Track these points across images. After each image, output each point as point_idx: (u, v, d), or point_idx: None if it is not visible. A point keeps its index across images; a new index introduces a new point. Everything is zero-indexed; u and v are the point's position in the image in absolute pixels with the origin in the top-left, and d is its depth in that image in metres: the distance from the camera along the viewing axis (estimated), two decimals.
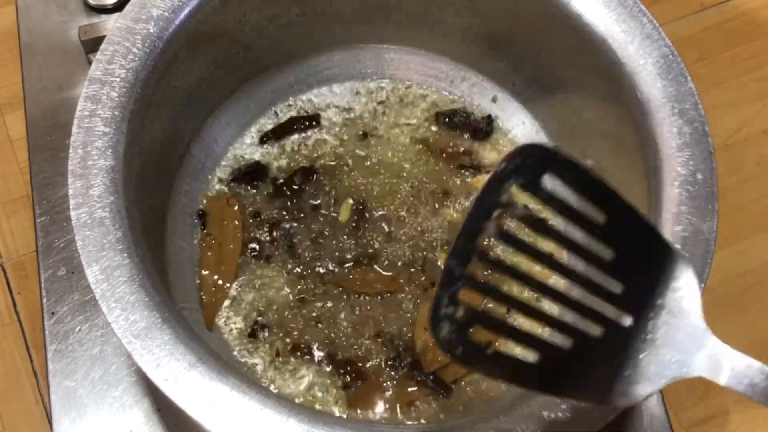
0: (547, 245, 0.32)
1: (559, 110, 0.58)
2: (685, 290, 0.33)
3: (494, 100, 0.62)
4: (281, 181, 0.58)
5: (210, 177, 0.59)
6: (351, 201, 0.57)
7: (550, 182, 0.31)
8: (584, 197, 0.31)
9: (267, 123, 0.61)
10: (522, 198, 0.31)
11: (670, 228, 0.44)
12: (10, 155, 0.76)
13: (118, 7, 0.62)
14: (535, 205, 0.32)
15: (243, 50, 0.58)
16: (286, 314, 0.54)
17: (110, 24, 0.57)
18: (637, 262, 0.33)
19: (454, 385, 0.52)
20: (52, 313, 0.53)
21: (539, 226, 0.32)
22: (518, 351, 0.32)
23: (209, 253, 0.56)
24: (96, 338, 0.53)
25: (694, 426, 0.66)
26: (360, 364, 0.53)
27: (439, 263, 0.56)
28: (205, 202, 0.58)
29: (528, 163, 0.30)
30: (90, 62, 0.60)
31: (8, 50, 0.79)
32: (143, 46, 0.47)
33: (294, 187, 0.58)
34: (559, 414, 0.39)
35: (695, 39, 0.82)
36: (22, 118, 0.60)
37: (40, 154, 0.58)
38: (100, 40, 0.50)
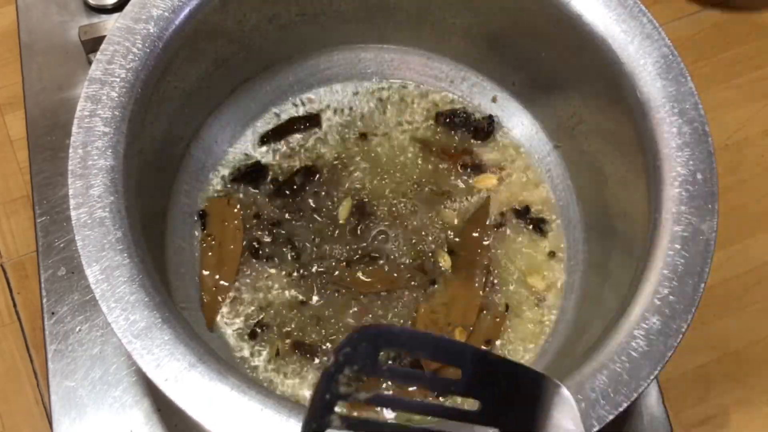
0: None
1: (559, 110, 0.58)
2: (565, 417, 0.34)
3: (494, 100, 0.62)
4: (281, 181, 0.58)
5: (210, 177, 0.59)
6: (350, 201, 0.58)
7: (387, 360, 0.31)
8: (437, 357, 0.32)
9: (267, 123, 0.61)
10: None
11: (670, 228, 0.44)
12: (10, 155, 0.76)
13: (118, 7, 0.62)
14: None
15: (243, 50, 0.58)
16: (286, 314, 0.54)
17: (110, 24, 0.57)
18: (510, 399, 0.33)
19: None
20: (52, 313, 0.53)
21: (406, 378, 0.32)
22: None
23: (209, 254, 0.56)
24: (96, 338, 0.53)
25: (694, 426, 0.67)
26: None
27: (440, 263, 0.56)
28: (205, 202, 0.58)
29: (359, 350, 0.31)
30: (90, 62, 0.60)
31: (8, 50, 0.79)
32: (143, 46, 0.47)
33: (294, 187, 0.58)
34: None
35: (695, 39, 0.82)
36: (22, 118, 0.60)
37: (40, 154, 0.58)
38: (100, 40, 0.50)
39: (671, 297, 0.42)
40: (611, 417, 0.39)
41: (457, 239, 0.57)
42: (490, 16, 0.57)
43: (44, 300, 0.54)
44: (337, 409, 0.31)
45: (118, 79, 0.46)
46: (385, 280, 0.55)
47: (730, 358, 0.69)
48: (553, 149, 0.60)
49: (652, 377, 0.40)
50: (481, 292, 0.55)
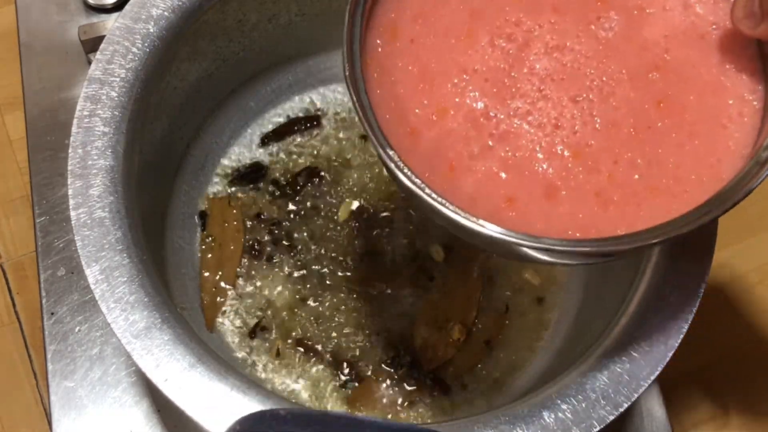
0: None
1: None
2: None
3: None
4: (282, 181, 0.58)
5: (210, 177, 0.59)
6: (351, 201, 0.57)
7: None
8: None
9: (267, 123, 0.61)
10: None
11: None
12: (10, 155, 0.76)
13: (117, 7, 0.62)
14: None
15: (243, 50, 0.58)
16: (286, 314, 0.54)
17: (110, 24, 0.57)
18: None
19: (452, 385, 0.53)
20: (52, 314, 0.53)
21: None
22: None
23: (210, 255, 0.56)
24: (95, 338, 0.52)
25: (694, 426, 0.66)
26: (359, 364, 0.53)
27: (432, 256, 0.56)
28: (205, 202, 0.58)
29: None
30: (90, 62, 0.60)
31: (8, 50, 0.79)
32: (143, 46, 0.47)
33: (295, 187, 0.58)
34: (560, 414, 0.39)
35: None
36: (21, 118, 0.60)
37: (40, 154, 0.58)
38: (99, 39, 0.50)
39: (672, 297, 0.42)
40: (612, 417, 0.39)
41: (453, 236, 0.57)
42: None
43: (44, 300, 0.53)
44: None
45: (117, 79, 0.46)
46: (385, 279, 0.55)
47: (731, 358, 0.69)
48: None
49: (652, 377, 0.40)
50: (480, 288, 0.55)
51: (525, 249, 0.32)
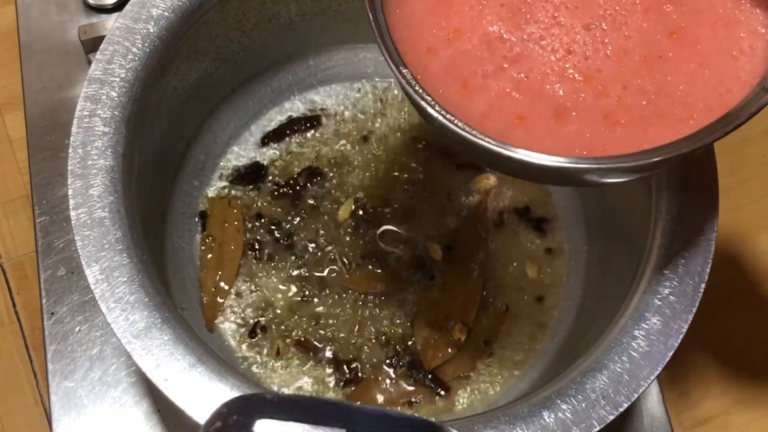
0: None
1: None
2: None
3: None
4: (282, 181, 0.58)
5: (210, 177, 0.59)
6: (351, 200, 0.58)
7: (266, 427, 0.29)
8: (319, 421, 0.30)
9: (267, 123, 0.61)
10: None
11: (671, 228, 0.44)
12: (10, 155, 0.76)
13: (117, 7, 0.62)
14: None
15: (243, 50, 0.58)
16: (286, 314, 0.54)
17: (110, 24, 0.57)
18: None
19: (452, 384, 0.53)
20: (52, 314, 0.53)
21: None
22: None
23: (210, 255, 0.56)
24: (95, 338, 0.53)
25: (694, 426, 0.67)
26: (359, 363, 0.53)
27: (432, 256, 0.56)
28: (205, 202, 0.58)
29: (231, 423, 0.29)
30: (90, 62, 0.60)
31: (8, 50, 0.79)
32: (143, 46, 0.47)
33: (295, 187, 0.58)
34: (560, 414, 0.39)
35: None
36: (21, 118, 0.60)
37: (40, 154, 0.58)
38: (99, 39, 0.50)
39: (672, 297, 0.42)
40: (611, 417, 0.39)
41: (454, 236, 0.57)
42: None
43: (44, 300, 0.53)
44: None
45: (117, 79, 0.46)
46: (385, 280, 0.55)
47: (730, 358, 0.69)
48: None
49: (652, 377, 0.40)
50: (480, 287, 0.55)
51: (533, 164, 0.33)
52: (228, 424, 0.29)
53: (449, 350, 0.53)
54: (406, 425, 0.32)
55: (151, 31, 0.48)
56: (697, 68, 0.35)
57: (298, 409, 0.30)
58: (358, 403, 0.32)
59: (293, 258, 0.56)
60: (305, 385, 0.52)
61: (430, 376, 0.52)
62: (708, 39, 0.36)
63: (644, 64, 0.35)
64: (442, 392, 0.52)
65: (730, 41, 0.35)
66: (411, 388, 0.52)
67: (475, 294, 0.55)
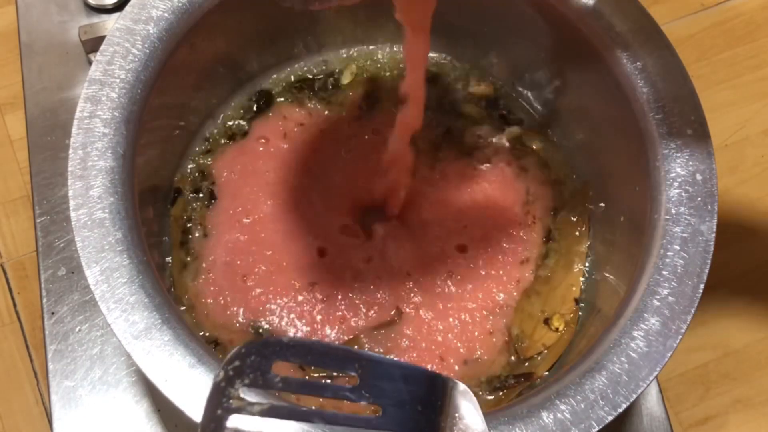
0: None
1: (558, 111, 0.58)
2: (468, 418, 0.34)
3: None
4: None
5: None
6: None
7: (282, 369, 0.31)
8: (329, 365, 0.33)
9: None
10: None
11: (670, 228, 0.44)
12: (10, 155, 0.76)
13: (118, 7, 0.62)
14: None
15: (243, 50, 0.58)
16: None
17: (110, 24, 0.57)
18: (410, 401, 0.33)
19: None
20: (52, 313, 0.53)
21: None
22: None
23: None
24: (96, 338, 0.53)
25: (694, 426, 0.67)
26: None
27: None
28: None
29: (249, 363, 0.31)
30: (90, 62, 0.60)
31: (8, 50, 0.79)
32: (143, 47, 0.47)
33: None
34: (558, 414, 0.39)
35: (695, 39, 0.82)
36: (22, 118, 0.60)
37: (40, 154, 0.58)
38: (100, 40, 0.50)
39: (671, 298, 0.42)
40: (610, 418, 0.39)
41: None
42: (489, 17, 0.57)
43: (44, 300, 0.54)
44: (229, 424, 0.31)
45: (117, 80, 0.46)
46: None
47: (730, 358, 0.69)
48: None
49: (651, 378, 0.40)
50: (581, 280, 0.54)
51: None
52: (246, 363, 0.31)
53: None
54: (416, 375, 0.33)
55: (151, 32, 0.48)
56: None
57: (313, 354, 0.32)
58: (370, 352, 0.33)
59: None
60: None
61: None
62: None
63: None
64: None
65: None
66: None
67: (575, 285, 0.55)
